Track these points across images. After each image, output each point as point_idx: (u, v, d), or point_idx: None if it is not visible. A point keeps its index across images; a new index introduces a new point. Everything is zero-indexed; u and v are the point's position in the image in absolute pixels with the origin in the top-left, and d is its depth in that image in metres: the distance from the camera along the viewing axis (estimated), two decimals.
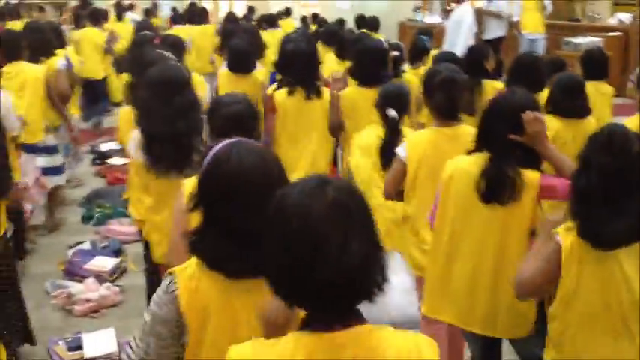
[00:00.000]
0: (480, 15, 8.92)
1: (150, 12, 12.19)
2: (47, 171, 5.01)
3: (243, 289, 1.59)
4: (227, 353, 1.32)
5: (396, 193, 3.16)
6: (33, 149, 4.74)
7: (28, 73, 4.85)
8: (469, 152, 2.61)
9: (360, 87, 4.18)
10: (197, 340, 1.62)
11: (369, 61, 4.21)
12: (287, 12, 12.62)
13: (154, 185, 3.09)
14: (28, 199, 4.37)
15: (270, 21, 9.75)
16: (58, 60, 5.37)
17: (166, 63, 3.46)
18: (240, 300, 1.60)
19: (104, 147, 7.61)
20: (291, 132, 4.24)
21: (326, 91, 4.22)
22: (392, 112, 3.45)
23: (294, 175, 1.47)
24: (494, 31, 9.14)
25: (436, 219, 2.68)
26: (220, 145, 1.67)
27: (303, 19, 12.26)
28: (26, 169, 4.44)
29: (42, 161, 4.95)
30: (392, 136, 3.44)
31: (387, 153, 3.38)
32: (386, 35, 8.21)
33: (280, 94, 4.22)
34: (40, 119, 4.88)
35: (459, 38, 8.61)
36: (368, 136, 3.64)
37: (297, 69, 4.22)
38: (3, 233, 3.30)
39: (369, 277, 1.24)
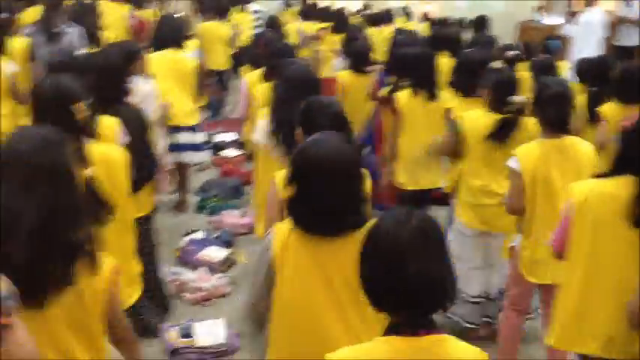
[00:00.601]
0: (616, 21, 8.41)
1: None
2: (188, 147, 5.47)
3: (326, 248, 2.01)
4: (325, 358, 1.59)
5: (521, 208, 3.12)
6: (177, 130, 5.25)
7: (176, 61, 5.23)
8: (600, 175, 2.53)
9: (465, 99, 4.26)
10: (282, 285, 2.05)
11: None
12: (404, 11, 12.48)
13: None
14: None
15: (377, 19, 9.68)
16: (189, 52, 5.69)
17: (301, 63, 4.04)
18: (322, 255, 2.01)
19: (219, 138, 7.77)
20: (413, 133, 4.46)
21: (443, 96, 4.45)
22: (518, 98, 3.58)
23: None
24: (631, 37, 8.58)
25: (570, 246, 2.53)
26: (311, 137, 2.17)
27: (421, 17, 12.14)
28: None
29: (184, 138, 5.38)
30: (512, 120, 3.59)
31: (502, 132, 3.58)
32: (504, 35, 7.95)
33: (403, 96, 4.46)
34: (185, 104, 5.31)
35: (587, 44, 8.15)
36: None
37: (420, 72, 4.46)
38: (148, 213, 3.63)
39: (444, 291, 1.54)
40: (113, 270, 1.90)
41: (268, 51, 5.24)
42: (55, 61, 3.35)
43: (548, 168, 3.08)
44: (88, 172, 2.13)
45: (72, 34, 5.56)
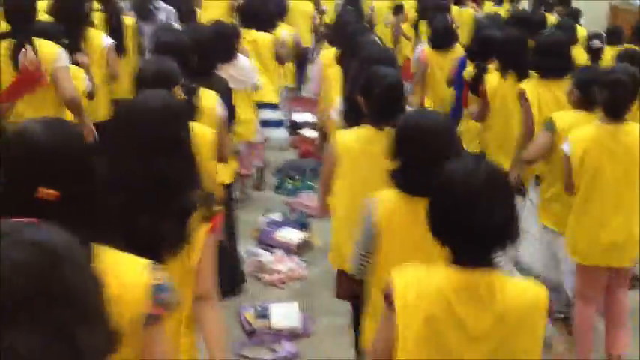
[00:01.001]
0: None
1: None
2: (269, 124, 5.71)
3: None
4: (391, 274, 1.77)
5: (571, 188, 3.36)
6: (261, 106, 5.43)
7: (261, 40, 5.49)
8: None
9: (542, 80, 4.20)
10: (386, 247, 2.32)
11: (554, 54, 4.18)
12: None
13: None
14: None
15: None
16: (282, 31, 5.96)
17: (375, 43, 4.26)
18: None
19: (299, 117, 7.84)
20: (501, 116, 4.46)
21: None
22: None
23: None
24: None
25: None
26: (408, 114, 2.61)
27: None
28: None
29: (266, 114, 5.58)
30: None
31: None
32: (594, 19, 7.64)
33: (493, 78, 4.46)
34: (268, 81, 5.50)
35: None
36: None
37: (510, 54, 4.43)
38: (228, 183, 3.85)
39: (506, 232, 1.72)
40: (209, 230, 2.04)
41: (345, 31, 5.33)
42: (160, 40, 3.54)
43: (599, 155, 3.21)
44: None
45: (164, 13, 5.74)
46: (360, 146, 2.91)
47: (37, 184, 1.42)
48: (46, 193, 1.42)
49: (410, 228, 2.22)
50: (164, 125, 1.99)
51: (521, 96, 4.13)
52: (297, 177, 6.09)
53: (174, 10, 5.77)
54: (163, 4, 5.78)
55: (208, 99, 3.29)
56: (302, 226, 5.13)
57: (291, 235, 4.92)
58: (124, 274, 1.49)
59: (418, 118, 2.45)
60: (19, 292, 1.01)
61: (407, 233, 2.26)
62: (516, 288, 1.74)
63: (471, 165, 1.75)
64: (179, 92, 2.78)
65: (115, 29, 4.97)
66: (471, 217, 1.67)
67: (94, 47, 4.46)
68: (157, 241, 1.90)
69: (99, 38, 4.53)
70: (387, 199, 2.35)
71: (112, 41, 4.59)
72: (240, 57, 4.73)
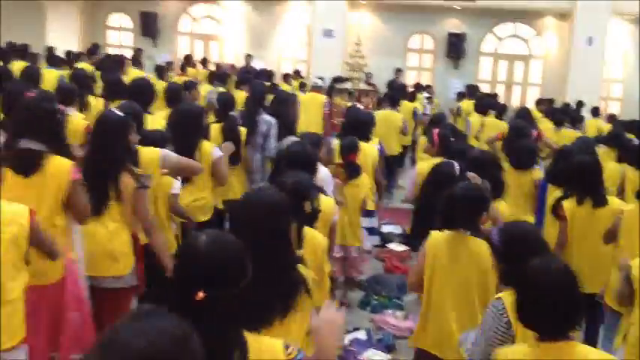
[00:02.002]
0: None
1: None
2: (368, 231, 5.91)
3: None
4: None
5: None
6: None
7: (366, 149, 5.71)
8: None
9: None
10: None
11: None
12: (593, 113, 11.88)
13: None
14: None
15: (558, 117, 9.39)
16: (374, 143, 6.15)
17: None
18: None
19: (386, 228, 7.79)
20: (579, 240, 4.42)
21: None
22: None
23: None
24: None
25: None
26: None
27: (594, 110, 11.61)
28: None
29: (365, 222, 5.71)
30: None
31: None
32: None
33: (570, 203, 4.43)
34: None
35: None
36: None
37: (585, 180, 4.46)
38: None
39: (581, 315, 2.32)
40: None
41: (442, 145, 5.44)
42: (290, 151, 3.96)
43: None
44: (299, 252, 2.79)
45: (265, 125, 5.95)
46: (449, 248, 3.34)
47: (195, 287, 1.71)
48: (199, 295, 1.70)
49: None
50: (278, 218, 2.43)
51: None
52: (383, 293, 5.93)
53: (274, 121, 5.96)
54: (266, 116, 6.00)
55: (327, 206, 3.62)
56: (387, 347, 4.93)
57: (376, 358, 4.73)
58: (265, 355, 1.85)
59: (520, 230, 2.95)
60: None
61: None
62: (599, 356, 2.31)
63: (552, 264, 2.34)
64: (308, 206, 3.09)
65: (230, 139, 5.27)
66: (558, 305, 2.21)
67: (205, 158, 4.66)
68: (271, 312, 2.32)
69: (210, 150, 4.72)
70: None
71: (221, 154, 4.78)
72: (321, 169, 4.74)
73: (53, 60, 10.09)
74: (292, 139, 5.10)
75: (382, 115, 8.91)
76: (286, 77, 13.27)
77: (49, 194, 3.35)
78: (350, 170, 5.26)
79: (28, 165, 3.33)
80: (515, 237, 2.87)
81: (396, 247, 7.17)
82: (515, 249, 2.76)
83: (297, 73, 13.75)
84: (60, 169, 3.36)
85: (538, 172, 5.63)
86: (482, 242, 3.31)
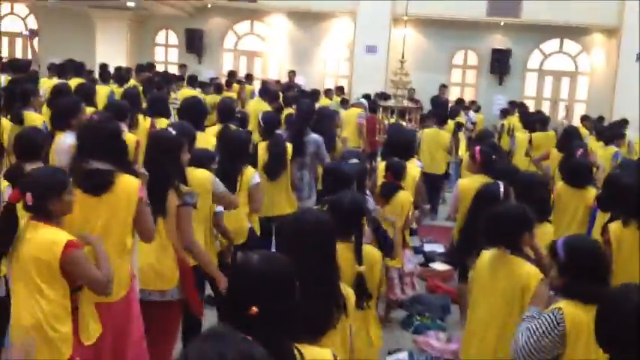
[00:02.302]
0: None
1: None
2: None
3: None
4: None
5: None
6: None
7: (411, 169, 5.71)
8: None
9: None
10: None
11: None
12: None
13: None
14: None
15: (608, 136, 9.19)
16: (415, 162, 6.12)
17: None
18: None
19: (428, 247, 7.73)
20: (626, 264, 4.24)
21: None
22: None
23: None
24: None
25: None
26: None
27: None
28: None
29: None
30: None
31: None
32: None
33: (616, 226, 4.33)
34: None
35: None
36: None
37: (629, 202, 4.34)
38: None
39: None
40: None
41: (483, 163, 5.47)
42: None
43: None
44: (361, 268, 3.17)
45: (313, 145, 6.04)
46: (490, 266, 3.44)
47: (248, 303, 1.89)
48: (253, 310, 1.88)
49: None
50: (324, 237, 2.63)
51: None
52: (426, 314, 5.86)
53: (321, 140, 6.03)
54: (314, 136, 6.08)
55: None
56: None
57: None
58: None
59: (585, 245, 3.04)
60: None
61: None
62: None
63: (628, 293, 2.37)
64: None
65: (276, 156, 5.46)
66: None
67: (244, 182, 4.79)
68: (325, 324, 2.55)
69: (250, 176, 4.82)
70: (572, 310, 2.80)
71: (259, 181, 4.88)
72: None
73: (105, 76, 10.37)
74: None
75: (428, 133, 8.93)
76: (328, 92, 13.37)
77: (120, 213, 3.41)
78: (385, 190, 5.23)
79: (99, 185, 3.38)
80: (580, 250, 2.95)
81: (439, 266, 7.10)
82: (580, 262, 2.90)
83: (340, 90, 13.82)
84: (129, 187, 3.42)
85: (592, 191, 5.51)
86: (522, 262, 3.34)
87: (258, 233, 5.16)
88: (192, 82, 11.83)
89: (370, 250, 3.38)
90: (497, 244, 3.44)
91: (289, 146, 5.73)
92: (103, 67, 11.19)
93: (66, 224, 3.15)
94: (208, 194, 4.08)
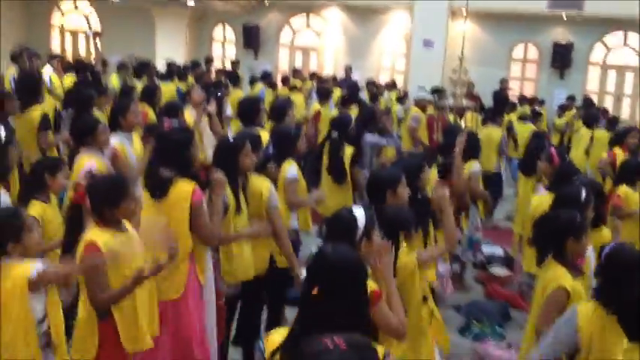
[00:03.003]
0: None
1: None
2: None
3: None
4: None
5: None
6: None
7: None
8: None
9: None
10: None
11: None
12: None
13: None
14: None
15: None
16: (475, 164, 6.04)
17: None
18: None
19: (487, 249, 7.55)
20: None
21: None
22: None
23: None
24: None
25: None
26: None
27: None
28: None
29: None
30: None
31: None
32: None
33: None
34: None
35: None
36: None
37: None
38: None
39: None
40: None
41: (553, 168, 5.35)
42: None
43: None
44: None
45: (376, 145, 6.10)
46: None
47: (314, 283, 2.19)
48: (315, 290, 2.18)
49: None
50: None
51: None
52: (485, 320, 5.77)
53: (383, 141, 6.10)
54: (374, 138, 6.13)
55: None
56: None
57: None
58: None
59: (625, 255, 3.05)
60: None
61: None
62: None
63: None
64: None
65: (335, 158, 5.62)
66: None
67: (281, 178, 4.81)
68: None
69: (286, 170, 4.81)
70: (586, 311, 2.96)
71: (294, 174, 4.84)
72: None
73: (170, 74, 10.72)
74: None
75: (484, 134, 8.75)
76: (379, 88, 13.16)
77: (175, 217, 3.60)
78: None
79: (157, 190, 3.64)
80: (617, 259, 3.02)
81: (499, 270, 6.96)
82: (614, 269, 3.00)
83: (392, 85, 13.70)
84: (181, 194, 3.62)
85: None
86: (559, 268, 3.44)
87: (309, 228, 5.28)
88: (236, 81, 11.29)
89: (404, 259, 3.29)
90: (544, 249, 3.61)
91: (349, 149, 5.74)
92: (169, 65, 11.46)
93: (136, 225, 3.36)
94: (263, 204, 4.19)
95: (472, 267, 7.21)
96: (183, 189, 3.61)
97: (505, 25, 15.54)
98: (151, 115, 6.72)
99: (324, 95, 9.71)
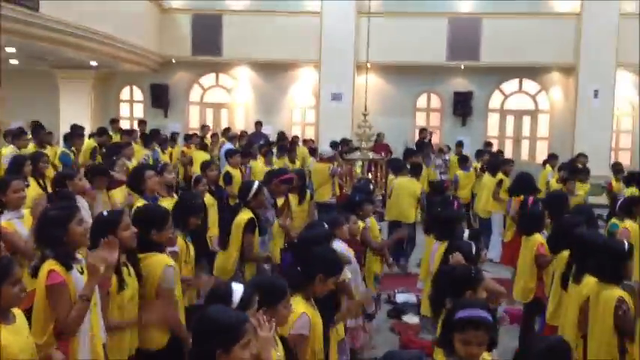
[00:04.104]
0: None
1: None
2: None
3: None
4: None
5: None
6: None
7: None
8: None
9: None
10: None
11: None
12: None
13: None
14: None
15: None
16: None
17: None
18: None
19: (400, 298, 7.59)
20: None
21: None
22: None
23: None
24: None
25: None
26: None
27: None
28: None
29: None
30: None
31: None
32: None
33: None
34: None
35: None
36: None
37: None
38: None
39: None
40: None
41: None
42: None
43: None
44: None
45: None
46: None
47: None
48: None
49: None
50: None
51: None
52: None
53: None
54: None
55: None
56: None
57: None
58: None
59: None
60: None
61: None
62: None
63: None
64: None
65: None
66: None
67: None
68: None
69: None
70: None
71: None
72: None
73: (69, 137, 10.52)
74: None
75: (399, 183, 9.04)
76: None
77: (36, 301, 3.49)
78: None
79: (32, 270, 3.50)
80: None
81: (413, 318, 6.98)
82: None
83: (305, 141, 13.98)
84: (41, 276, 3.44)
85: None
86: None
87: None
88: (148, 140, 11.29)
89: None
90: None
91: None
92: (72, 128, 10.97)
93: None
94: None
95: (387, 317, 7.25)
96: (43, 270, 3.31)
97: (407, 77, 16.16)
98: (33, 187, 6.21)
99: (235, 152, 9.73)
